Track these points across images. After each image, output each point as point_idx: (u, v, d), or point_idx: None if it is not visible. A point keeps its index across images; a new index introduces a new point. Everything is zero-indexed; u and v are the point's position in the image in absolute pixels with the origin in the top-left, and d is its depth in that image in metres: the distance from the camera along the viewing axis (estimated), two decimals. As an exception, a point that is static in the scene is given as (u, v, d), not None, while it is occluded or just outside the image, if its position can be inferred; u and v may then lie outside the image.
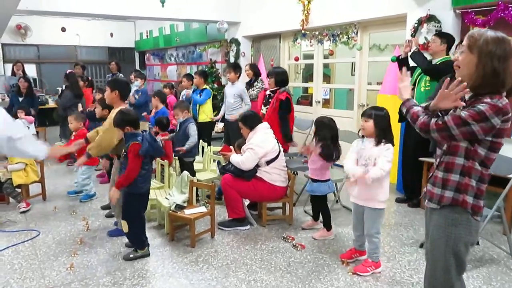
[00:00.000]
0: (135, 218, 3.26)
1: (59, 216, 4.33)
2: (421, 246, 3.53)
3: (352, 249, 3.31)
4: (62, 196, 4.98)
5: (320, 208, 3.76)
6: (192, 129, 4.59)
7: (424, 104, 2.02)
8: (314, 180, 3.65)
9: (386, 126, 2.92)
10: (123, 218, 3.27)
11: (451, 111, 1.89)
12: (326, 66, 7.22)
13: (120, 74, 8.25)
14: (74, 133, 5.01)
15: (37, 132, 7.24)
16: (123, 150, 3.24)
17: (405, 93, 2.08)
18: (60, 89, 7.39)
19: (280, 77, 4.78)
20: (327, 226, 3.72)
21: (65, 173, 6.04)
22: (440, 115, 1.91)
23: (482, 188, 1.90)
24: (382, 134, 2.90)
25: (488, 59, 1.76)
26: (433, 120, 1.86)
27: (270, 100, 4.82)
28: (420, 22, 4.72)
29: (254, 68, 6.13)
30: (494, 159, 1.88)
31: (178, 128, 4.78)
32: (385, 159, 2.84)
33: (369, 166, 2.90)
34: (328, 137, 3.50)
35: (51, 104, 10.00)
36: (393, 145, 2.92)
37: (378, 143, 2.91)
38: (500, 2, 3.99)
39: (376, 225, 3.02)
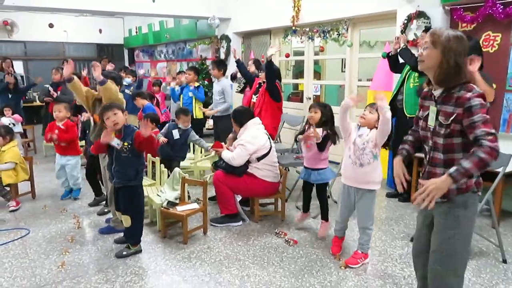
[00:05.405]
0: (140, 211, 3.31)
1: (49, 214, 4.29)
2: (412, 240, 3.57)
3: (335, 237, 3.38)
4: (51, 194, 4.93)
5: (323, 197, 3.70)
6: (193, 134, 4.75)
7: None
8: (314, 169, 3.59)
9: None
10: (127, 213, 3.22)
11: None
12: (316, 62, 7.24)
13: None
14: (59, 124, 4.57)
15: (25, 130, 7.15)
16: (125, 144, 3.13)
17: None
18: (48, 86, 7.20)
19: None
20: (326, 216, 3.68)
21: (53, 170, 5.95)
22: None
23: None
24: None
25: (451, 54, 1.92)
26: (491, 144, 1.80)
27: (260, 89, 4.82)
28: (409, 19, 4.76)
29: (257, 64, 6.06)
30: None
31: (179, 135, 4.67)
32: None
33: (367, 149, 3.01)
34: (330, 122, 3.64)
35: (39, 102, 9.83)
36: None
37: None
38: (488, -1, 4.05)
39: (371, 213, 3.08)
